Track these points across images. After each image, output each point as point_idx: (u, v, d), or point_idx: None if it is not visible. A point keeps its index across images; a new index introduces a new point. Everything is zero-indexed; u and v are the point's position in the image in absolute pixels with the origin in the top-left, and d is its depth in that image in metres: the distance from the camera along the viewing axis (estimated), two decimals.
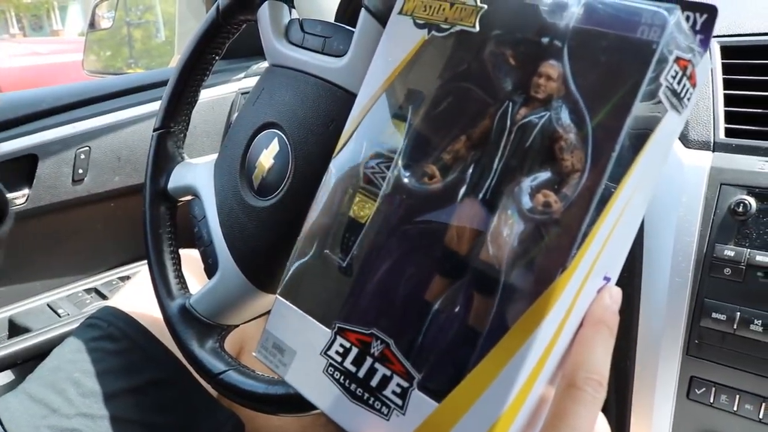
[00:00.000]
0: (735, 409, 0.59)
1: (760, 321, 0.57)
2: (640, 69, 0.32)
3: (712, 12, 0.33)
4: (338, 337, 0.39)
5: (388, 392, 0.36)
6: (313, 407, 0.40)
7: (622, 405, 0.65)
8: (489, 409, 0.33)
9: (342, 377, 0.38)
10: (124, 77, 1.35)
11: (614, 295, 0.35)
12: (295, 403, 0.58)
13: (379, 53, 0.43)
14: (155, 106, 1.18)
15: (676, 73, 0.33)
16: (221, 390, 0.64)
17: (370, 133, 0.42)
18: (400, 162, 0.40)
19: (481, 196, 0.36)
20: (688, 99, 0.35)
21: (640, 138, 0.33)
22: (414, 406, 0.35)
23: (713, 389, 0.60)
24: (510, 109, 0.36)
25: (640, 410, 0.64)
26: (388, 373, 0.37)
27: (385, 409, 0.36)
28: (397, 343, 0.37)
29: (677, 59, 0.33)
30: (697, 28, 0.33)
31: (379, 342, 0.37)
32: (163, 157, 0.77)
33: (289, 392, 0.59)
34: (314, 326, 0.41)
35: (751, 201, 0.59)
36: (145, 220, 0.76)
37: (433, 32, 0.40)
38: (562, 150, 0.34)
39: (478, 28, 0.38)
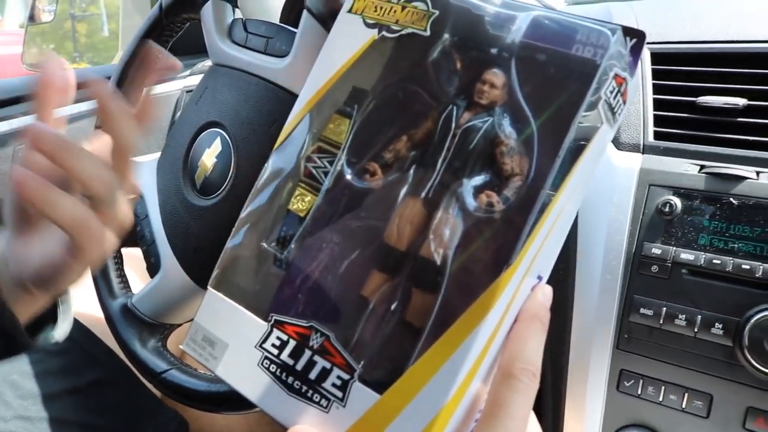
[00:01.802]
0: (660, 399, 0.62)
1: (684, 316, 0.60)
2: (585, 81, 0.34)
3: (641, 37, 0.36)
4: (275, 329, 0.40)
5: (327, 385, 0.37)
6: (255, 406, 0.40)
7: (557, 398, 0.67)
8: (431, 401, 0.34)
9: (278, 370, 0.39)
10: None
11: (546, 293, 0.37)
12: (237, 401, 0.58)
13: (326, 50, 0.44)
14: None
15: (614, 89, 0.35)
16: (163, 389, 0.64)
17: (313, 127, 0.42)
18: (343, 158, 0.40)
19: (423, 194, 0.37)
20: (620, 114, 0.37)
21: (577, 148, 0.35)
22: (355, 398, 0.36)
23: (641, 381, 0.63)
24: (454, 112, 0.38)
25: (573, 403, 0.66)
26: (328, 365, 0.37)
27: (324, 402, 0.37)
28: (337, 337, 0.37)
29: (615, 75, 0.35)
30: (627, 50, 0.35)
31: (318, 335, 0.38)
32: None
33: (232, 390, 0.60)
34: (248, 318, 0.41)
35: (677, 201, 0.62)
36: None
37: (384, 33, 0.41)
38: (502, 154, 0.35)
39: (429, 32, 0.39)
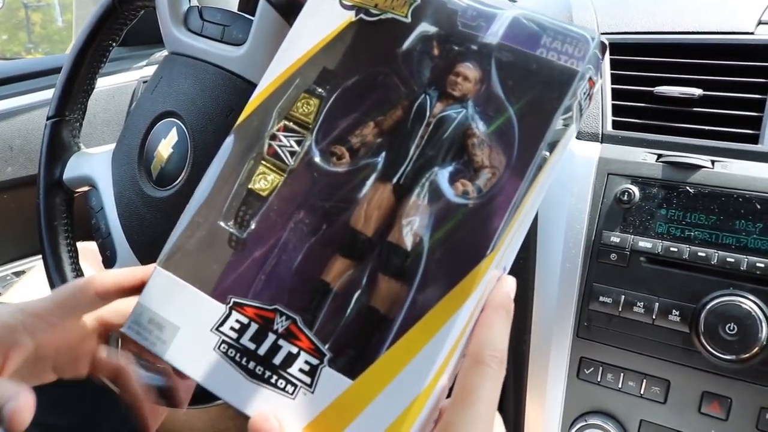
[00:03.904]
0: (620, 386, 0.62)
1: (642, 303, 0.60)
2: (564, 84, 0.35)
3: (604, 47, 0.37)
4: (234, 311, 0.38)
5: (293, 370, 0.36)
6: (216, 398, 0.38)
7: (519, 386, 0.68)
8: (406, 388, 0.34)
9: (237, 355, 0.37)
10: (17, 62, 1.29)
11: (510, 283, 0.38)
12: (197, 395, 0.57)
13: (297, 27, 0.42)
14: (51, 93, 1.13)
15: (586, 90, 0.37)
16: None
17: (279, 106, 0.41)
18: (311, 138, 0.39)
19: (395, 180, 0.37)
20: (584, 114, 0.38)
21: (549, 146, 0.36)
22: (325, 384, 0.35)
23: (601, 368, 0.63)
24: (428, 101, 0.38)
25: (534, 390, 0.66)
26: (295, 350, 0.36)
27: (290, 388, 0.35)
28: (303, 320, 0.36)
29: (590, 78, 0.36)
30: (600, 55, 0.37)
31: (284, 318, 0.37)
32: (58, 147, 0.74)
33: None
34: (203, 300, 0.39)
35: (635, 190, 0.63)
36: (40, 211, 0.73)
37: (362, 15, 0.40)
38: (473, 146, 0.36)
39: (410, 19, 0.39)
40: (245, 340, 0.37)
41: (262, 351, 0.37)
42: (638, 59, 0.70)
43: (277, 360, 0.36)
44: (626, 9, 0.76)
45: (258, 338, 0.37)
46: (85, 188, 0.72)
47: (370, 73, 0.39)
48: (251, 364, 0.37)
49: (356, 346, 0.35)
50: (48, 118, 0.74)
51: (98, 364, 0.49)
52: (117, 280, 0.44)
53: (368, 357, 0.35)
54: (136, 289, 0.44)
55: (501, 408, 0.73)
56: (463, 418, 0.34)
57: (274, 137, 0.41)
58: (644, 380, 0.61)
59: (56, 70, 1.17)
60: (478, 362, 0.35)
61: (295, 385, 0.36)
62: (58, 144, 0.74)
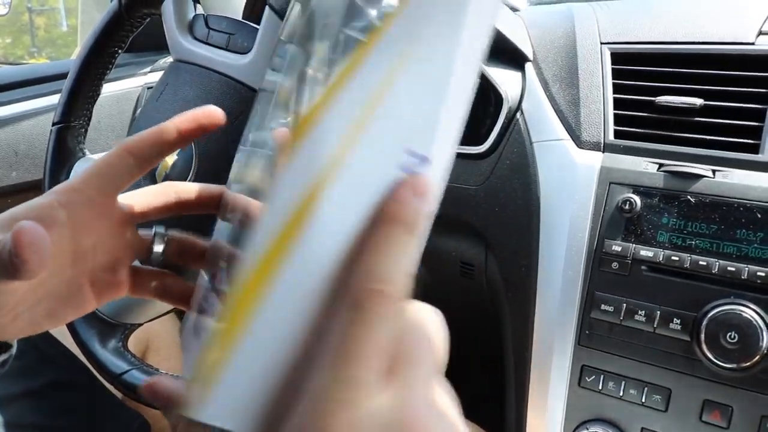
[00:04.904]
0: (621, 394, 0.63)
1: (644, 311, 0.61)
2: None
3: None
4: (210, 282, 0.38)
5: (211, 317, 0.34)
6: None
7: (521, 393, 0.68)
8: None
9: (196, 318, 0.37)
10: (23, 67, 1.29)
11: (419, 187, 0.27)
12: None
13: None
14: (57, 98, 1.14)
15: None
16: (124, 390, 0.63)
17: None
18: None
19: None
20: None
21: None
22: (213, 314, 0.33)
23: (602, 377, 0.64)
24: None
25: (536, 398, 0.67)
26: (215, 299, 0.35)
27: (205, 335, 0.32)
28: (229, 269, 0.34)
29: None
30: None
31: (220, 272, 0.36)
32: (63, 153, 0.75)
33: None
34: (204, 281, 0.40)
35: (637, 199, 0.63)
36: None
37: None
38: None
39: None
40: (205, 303, 0.37)
41: (206, 307, 0.36)
42: (640, 69, 0.71)
43: (209, 312, 0.35)
44: (628, 19, 0.76)
45: (207, 298, 0.36)
46: None
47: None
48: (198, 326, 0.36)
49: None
50: (53, 124, 0.74)
51: (138, 276, 0.43)
52: (152, 143, 0.40)
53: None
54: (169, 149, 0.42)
55: (503, 416, 0.73)
56: (324, 383, 0.24)
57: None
58: (645, 388, 0.62)
59: (61, 76, 1.18)
60: (354, 305, 0.25)
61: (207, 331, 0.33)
62: (64, 150, 0.74)
